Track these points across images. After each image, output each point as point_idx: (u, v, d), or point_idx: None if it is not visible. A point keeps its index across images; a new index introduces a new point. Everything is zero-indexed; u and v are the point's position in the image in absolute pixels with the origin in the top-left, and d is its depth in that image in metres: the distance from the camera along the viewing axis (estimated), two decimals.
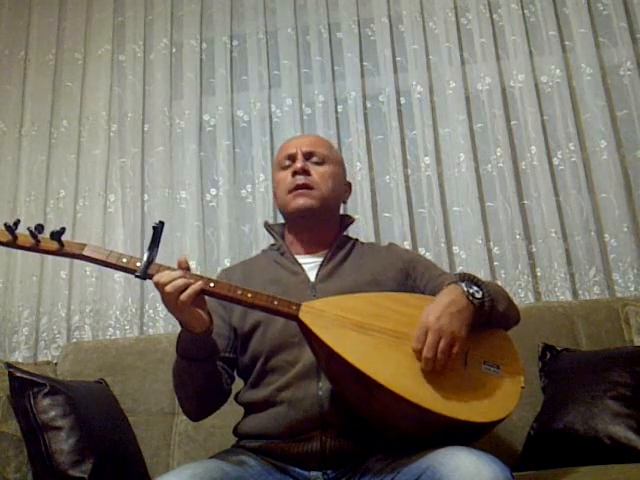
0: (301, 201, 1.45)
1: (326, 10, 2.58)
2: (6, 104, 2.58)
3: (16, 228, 1.16)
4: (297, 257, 1.48)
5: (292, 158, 1.51)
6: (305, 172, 1.47)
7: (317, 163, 1.51)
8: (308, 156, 1.51)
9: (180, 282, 1.17)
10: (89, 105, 2.57)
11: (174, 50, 2.62)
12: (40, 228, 1.16)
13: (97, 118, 2.54)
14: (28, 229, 1.16)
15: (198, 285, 1.18)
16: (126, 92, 2.58)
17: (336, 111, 2.49)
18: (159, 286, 1.18)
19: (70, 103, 2.57)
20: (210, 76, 2.59)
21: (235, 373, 1.47)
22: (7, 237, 1.16)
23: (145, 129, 2.53)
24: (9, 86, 2.60)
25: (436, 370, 1.18)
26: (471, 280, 1.29)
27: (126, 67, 2.60)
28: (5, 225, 1.15)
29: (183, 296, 1.17)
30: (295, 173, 1.47)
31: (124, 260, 1.20)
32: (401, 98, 2.47)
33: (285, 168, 1.52)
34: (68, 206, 2.45)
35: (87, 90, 2.59)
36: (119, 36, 2.65)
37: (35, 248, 1.18)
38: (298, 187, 1.46)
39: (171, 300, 1.18)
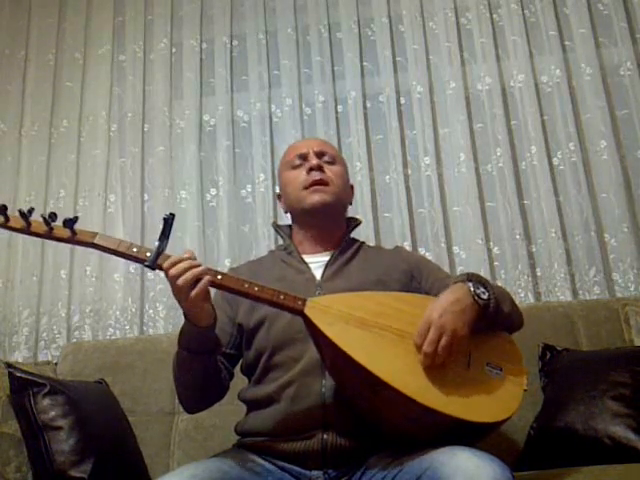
0: (318, 196, 1.47)
1: (326, 10, 2.58)
2: (6, 104, 2.58)
3: (30, 215, 1.17)
4: (304, 256, 1.49)
5: (304, 157, 1.53)
6: (320, 169, 1.49)
7: (329, 162, 1.53)
8: (320, 155, 1.53)
9: (189, 275, 1.18)
10: (89, 105, 2.57)
11: (174, 50, 2.62)
12: (53, 216, 1.17)
13: (97, 118, 2.54)
14: (42, 216, 1.17)
15: (207, 280, 1.20)
16: (126, 92, 2.58)
17: (336, 111, 2.49)
18: (170, 278, 1.20)
19: (70, 103, 2.57)
20: (210, 76, 2.59)
21: (235, 370, 1.47)
22: (21, 223, 1.17)
23: (145, 129, 2.54)
24: (9, 86, 2.60)
25: (434, 366, 1.18)
26: (479, 281, 1.28)
27: (126, 67, 2.60)
28: (19, 212, 1.16)
29: (193, 293, 1.19)
30: (311, 170, 1.49)
31: (134, 249, 1.21)
32: (401, 98, 2.47)
33: (296, 167, 1.53)
34: (68, 206, 2.44)
35: (87, 90, 2.59)
36: (119, 36, 2.65)
37: (48, 235, 1.19)
38: (315, 183, 1.48)
39: (182, 294, 1.19)
